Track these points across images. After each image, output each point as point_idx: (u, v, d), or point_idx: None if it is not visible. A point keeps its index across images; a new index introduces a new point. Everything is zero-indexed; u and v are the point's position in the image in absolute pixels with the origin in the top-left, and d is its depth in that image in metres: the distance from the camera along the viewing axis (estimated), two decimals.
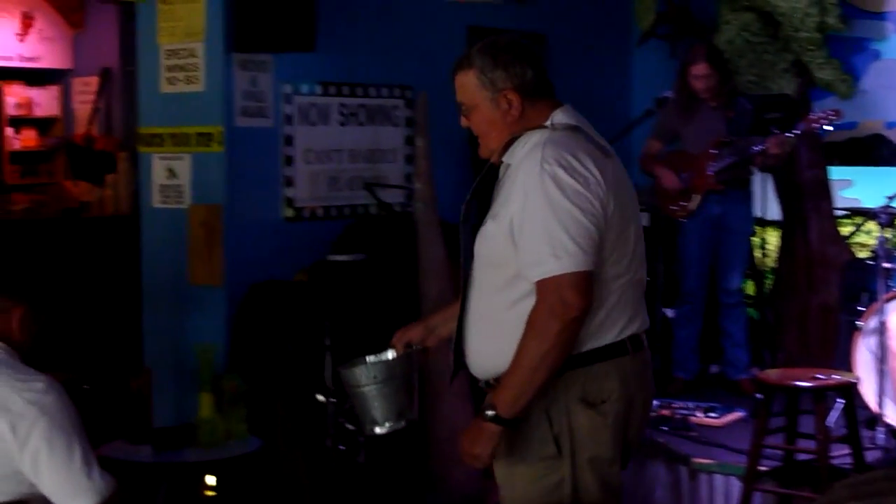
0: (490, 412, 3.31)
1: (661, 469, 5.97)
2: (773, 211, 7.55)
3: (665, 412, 6.41)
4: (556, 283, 3.24)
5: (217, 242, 6.41)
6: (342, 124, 7.05)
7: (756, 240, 7.46)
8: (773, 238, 7.71)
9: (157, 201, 6.71)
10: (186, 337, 6.44)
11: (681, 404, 6.57)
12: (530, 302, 3.30)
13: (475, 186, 3.59)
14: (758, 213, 7.29)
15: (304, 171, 6.84)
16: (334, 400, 5.81)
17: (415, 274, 6.15)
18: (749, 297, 7.55)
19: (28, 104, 11.27)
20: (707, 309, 7.29)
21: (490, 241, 3.41)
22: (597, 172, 3.31)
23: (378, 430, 3.63)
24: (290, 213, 6.77)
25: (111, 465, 4.51)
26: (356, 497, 5.81)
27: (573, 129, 3.42)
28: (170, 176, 6.63)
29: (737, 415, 6.52)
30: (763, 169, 7.10)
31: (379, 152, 7.26)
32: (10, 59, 10.93)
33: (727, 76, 7.09)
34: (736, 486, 5.61)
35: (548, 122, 3.43)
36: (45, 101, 11.36)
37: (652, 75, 8.87)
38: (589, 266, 3.28)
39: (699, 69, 6.94)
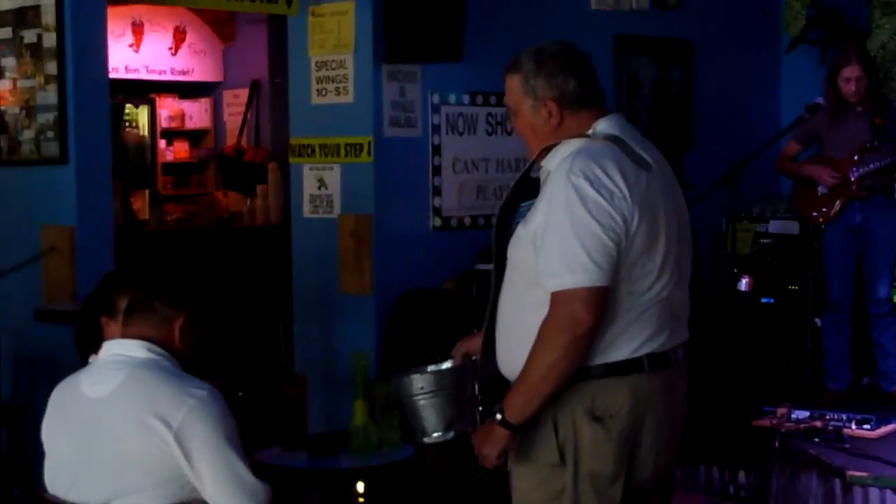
0: (498, 416, 3.35)
1: (813, 481, 5.86)
2: None
3: (817, 423, 6.28)
4: (568, 297, 3.23)
5: (366, 252, 6.48)
6: (489, 133, 7.07)
7: None
8: None
9: (307, 211, 6.81)
10: (337, 345, 6.52)
11: (833, 416, 6.43)
12: (547, 308, 3.30)
13: (512, 191, 3.59)
14: None
15: (452, 181, 6.88)
16: (481, 408, 5.81)
17: None
18: None
19: (180, 116, 11.51)
20: (858, 319, 7.15)
21: (518, 245, 3.42)
22: (623, 186, 3.27)
23: (426, 439, 3.65)
24: (437, 222, 6.81)
25: (266, 471, 4.61)
26: (504, 502, 5.81)
27: (613, 139, 3.38)
28: (320, 186, 6.72)
29: (891, 427, 6.36)
30: None
31: (526, 161, 7.24)
32: (162, 72, 11.16)
33: (877, 80, 6.95)
34: (892, 499, 5.49)
35: (589, 131, 3.41)
36: (196, 113, 11.60)
37: (802, 82, 8.75)
38: (603, 282, 3.24)
39: (850, 71, 6.80)
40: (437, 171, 6.83)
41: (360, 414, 4.62)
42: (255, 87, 11.14)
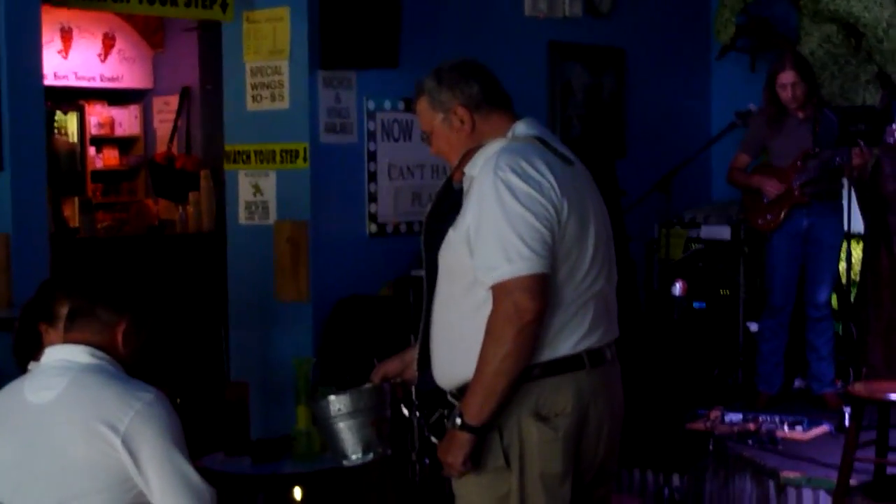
0: (458, 420, 3.35)
1: (747, 483, 5.93)
2: (858, 223, 7.49)
3: (750, 426, 6.37)
4: (510, 287, 3.26)
5: (303, 258, 6.48)
6: (423, 139, 7.07)
7: (840, 253, 7.41)
8: (857, 252, 7.65)
9: (243, 218, 6.79)
10: (274, 352, 6.51)
11: (766, 418, 6.53)
12: (488, 309, 3.32)
13: (436, 201, 3.64)
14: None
15: (388, 187, 6.89)
16: (419, 413, 5.83)
17: None
18: (833, 310, 7.49)
19: (110, 123, 11.43)
20: (791, 322, 7.25)
21: (449, 250, 3.44)
22: (552, 178, 3.34)
23: (345, 462, 3.65)
24: (373, 228, 6.82)
25: (210, 476, 4.56)
26: None
27: (533, 138, 3.45)
28: (255, 193, 6.71)
29: (823, 428, 6.47)
30: (850, 181, 7.04)
31: None
32: (91, 79, 11.08)
33: (814, 86, 7.04)
34: (825, 500, 5.57)
35: (508, 134, 3.48)
36: (126, 120, 11.53)
37: (732, 89, 8.86)
38: (543, 269, 3.29)
39: (787, 77, 6.88)
40: (372, 177, 6.84)
41: (302, 419, 4.62)
42: (185, 94, 11.08)
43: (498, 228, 3.28)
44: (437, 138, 3.58)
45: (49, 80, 10.07)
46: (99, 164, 11.32)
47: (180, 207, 9.82)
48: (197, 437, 5.20)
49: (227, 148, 6.91)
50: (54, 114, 10.84)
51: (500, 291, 3.28)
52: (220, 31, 7.00)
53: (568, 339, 3.40)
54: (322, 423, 3.67)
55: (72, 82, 10.87)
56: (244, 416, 5.81)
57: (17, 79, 5.95)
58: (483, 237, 3.31)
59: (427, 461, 5.86)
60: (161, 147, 11.14)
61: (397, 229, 6.93)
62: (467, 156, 3.50)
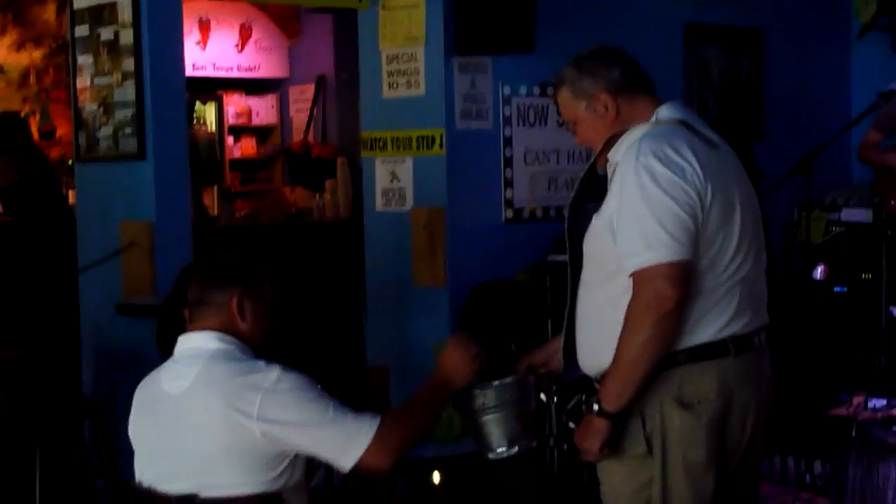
0: (596, 406, 3.34)
1: (892, 471, 5.82)
2: None
3: (895, 412, 6.25)
4: (650, 275, 3.24)
5: (440, 244, 6.50)
6: (560, 125, 7.06)
7: None
8: None
9: (379, 205, 6.83)
10: (411, 338, 6.54)
11: None
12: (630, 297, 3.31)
13: (579, 187, 3.63)
14: None
15: (524, 173, 6.88)
16: (557, 399, 5.83)
17: None
18: None
19: (247, 113, 11.59)
20: None
21: (594, 238, 3.43)
22: (695, 162, 3.29)
23: (490, 455, 3.63)
24: (510, 214, 6.82)
25: None
26: (579, 496, 5.82)
27: (678, 122, 3.41)
28: (392, 179, 6.75)
29: None
30: None
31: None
32: (229, 69, 11.25)
33: None
34: None
35: (652, 118, 3.45)
36: (262, 109, 11.68)
37: (873, 69, 8.67)
38: (684, 256, 3.25)
39: None
40: (508, 162, 6.83)
41: None
42: (321, 83, 11.20)
43: (639, 215, 3.26)
44: (581, 127, 3.55)
45: (188, 72, 10.26)
46: (237, 154, 11.48)
47: (317, 195, 9.93)
48: None
49: (364, 135, 6.96)
50: (193, 104, 11.02)
51: (640, 278, 3.27)
52: (355, 19, 7.04)
53: (711, 325, 3.36)
54: (467, 416, 3.67)
55: (210, 73, 11.04)
56: (385, 400, 5.87)
57: (160, 71, 6.09)
58: (624, 224, 3.30)
59: (565, 447, 5.85)
60: (297, 136, 11.27)
61: (533, 215, 6.92)
62: (611, 141, 3.48)
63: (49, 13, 10.23)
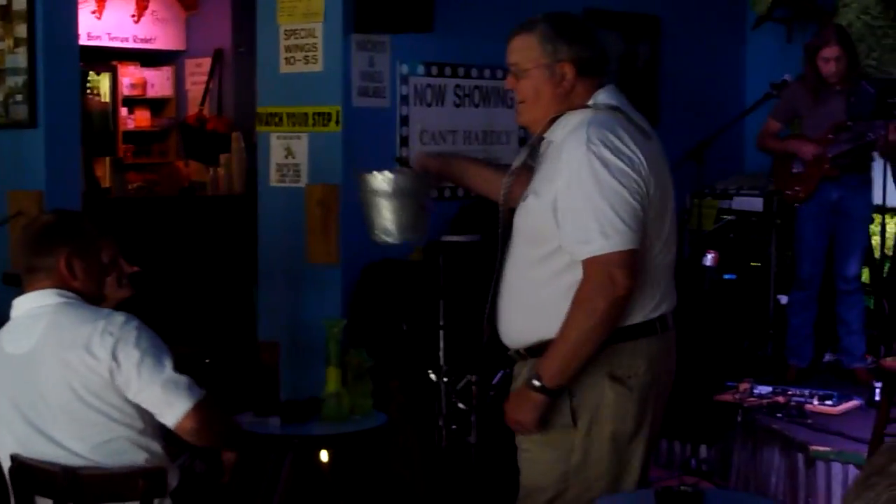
0: (536, 382, 3.39)
1: (776, 456, 5.92)
2: (893, 198, 7.44)
3: (780, 399, 6.35)
4: (605, 262, 3.29)
5: (333, 221, 6.47)
6: (457, 105, 7.07)
7: (874, 227, 7.36)
8: (891, 226, 7.60)
9: (274, 180, 6.77)
10: (303, 314, 6.51)
11: (796, 391, 6.51)
12: (569, 276, 3.37)
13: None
14: (877, 200, 7.19)
15: (419, 152, 6.85)
16: (447, 379, 5.84)
17: None
18: (865, 284, 7.45)
19: (142, 85, 11.44)
20: (822, 296, 7.22)
21: (532, 217, 3.45)
22: (639, 152, 3.34)
23: (382, 237, 3.81)
24: None
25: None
26: (467, 476, 5.84)
27: (613, 109, 3.44)
28: (287, 155, 6.70)
29: (853, 403, 6.44)
30: (883, 155, 6.99)
31: (493, 134, 7.27)
32: (125, 39, 11.09)
33: (855, 59, 6.99)
34: (854, 475, 5.55)
35: (590, 102, 3.46)
36: (158, 81, 11.53)
37: (767, 59, 8.81)
38: (636, 244, 3.32)
39: (830, 51, 6.84)
40: (404, 141, 6.82)
41: (332, 381, 4.61)
42: (218, 56, 11.07)
43: (593, 203, 3.29)
44: (527, 82, 3.51)
45: (83, 41, 10.09)
46: (131, 126, 11.33)
47: (211, 169, 9.83)
48: (227, 397, 5.23)
49: (260, 110, 6.89)
50: (87, 74, 10.85)
51: (594, 265, 3.31)
52: None
53: (645, 307, 3.45)
54: (364, 197, 3.80)
55: (105, 43, 10.87)
56: (274, 376, 5.83)
57: (53, 38, 5.98)
58: (576, 211, 3.32)
59: (454, 427, 5.86)
60: (193, 109, 11.14)
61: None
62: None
63: None
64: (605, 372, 3.44)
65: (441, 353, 5.87)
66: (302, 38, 6.63)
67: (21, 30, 5.97)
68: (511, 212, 3.58)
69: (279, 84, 6.77)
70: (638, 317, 3.45)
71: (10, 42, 6.04)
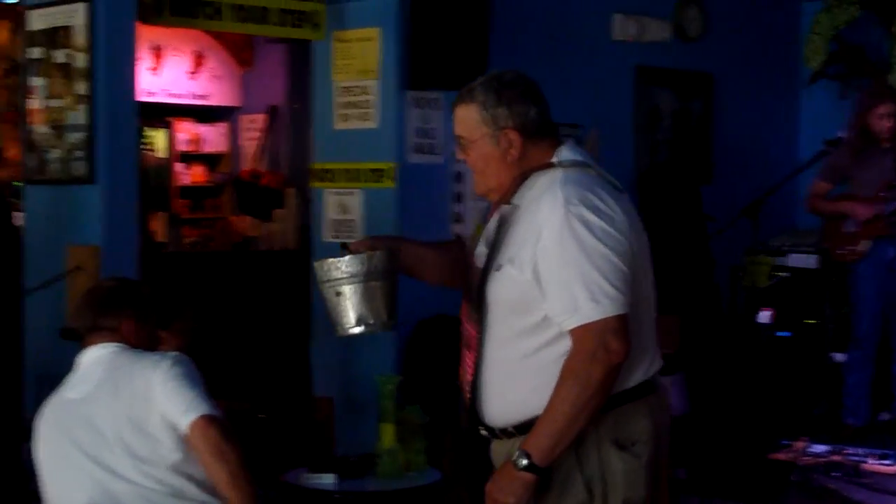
0: (524, 461, 3.16)
1: None
2: None
3: (836, 458, 6.30)
4: (598, 329, 3.12)
5: None
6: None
7: None
8: None
9: (328, 236, 6.82)
10: (356, 369, 6.52)
11: (852, 450, 6.45)
12: (557, 347, 3.20)
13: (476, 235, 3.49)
14: None
15: (474, 209, 6.89)
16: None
17: None
18: None
19: (197, 140, 11.55)
20: (878, 354, 7.15)
21: (512, 287, 3.23)
22: (617, 209, 3.20)
23: (339, 332, 3.42)
24: None
25: (294, 493, 4.62)
26: None
27: (582, 165, 3.30)
28: (342, 211, 6.74)
29: None
30: None
31: None
32: (181, 96, 11.21)
33: None
34: None
35: (554, 160, 3.30)
36: (213, 137, 11.64)
37: (821, 116, 8.79)
38: (626, 308, 3.16)
39: (886, 108, 6.82)
40: (458, 198, 6.85)
41: (387, 437, 4.62)
42: (272, 112, 11.18)
43: (579, 269, 3.13)
44: (475, 151, 3.35)
45: (140, 97, 10.22)
46: (186, 181, 11.43)
47: (264, 224, 9.89)
48: (281, 453, 5.25)
49: (314, 166, 6.95)
50: (143, 130, 10.96)
51: (586, 333, 3.14)
52: (309, 50, 7.05)
53: (641, 367, 3.30)
54: (325, 287, 3.38)
55: (162, 99, 11.00)
56: (329, 432, 5.84)
57: (112, 95, 6.05)
58: (561, 278, 3.15)
59: None
60: (247, 164, 11.24)
61: None
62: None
63: (2, 34, 10.14)
64: (609, 439, 3.27)
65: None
66: (356, 94, 6.69)
67: (81, 87, 6.05)
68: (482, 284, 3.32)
69: (333, 140, 6.83)
70: (638, 376, 3.29)
71: (70, 99, 6.12)
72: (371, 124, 6.64)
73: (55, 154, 6.24)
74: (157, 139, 11.21)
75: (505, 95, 3.31)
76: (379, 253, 3.36)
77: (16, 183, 7.45)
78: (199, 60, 11.25)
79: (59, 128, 6.21)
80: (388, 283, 3.38)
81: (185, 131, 11.47)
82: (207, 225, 10.99)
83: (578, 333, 3.15)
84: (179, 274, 7.88)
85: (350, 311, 3.38)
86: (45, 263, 6.28)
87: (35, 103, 6.38)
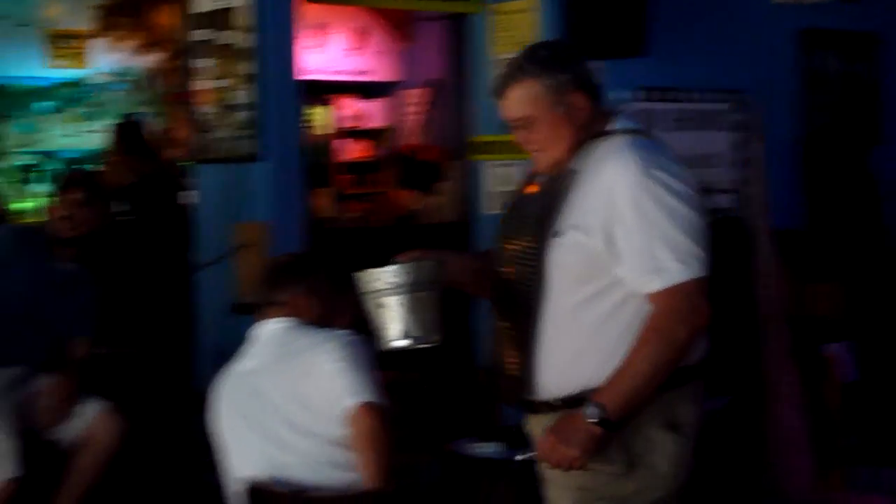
0: (598, 414, 3.09)
1: None
2: None
3: None
4: (687, 290, 3.08)
5: None
6: (670, 130, 7.03)
7: None
8: None
9: (489, 208, 6.85)
10: None
11: None
12: (625, 315, 3.15)
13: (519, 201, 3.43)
14: None
15: None
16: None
17: (747, 279, 6.08)
18: None
19: (360, 116, 11.68)
20: None
21: (576, 253, 3.17)
22: (688, 173, 3.17)
23: (396, 343, 3.27)
24: None
25: (462, 461, 4.67)
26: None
27: (643, 132, 3.26)
28: (503, 183, 6.77)
29: None
30: None
31: (706, 157, 7.21)
32: (344, 72, 11.35)
33: None
34: None
35: (615, 126, 3.24)
36: (375, 112, 11.75)
37: None
38: (709, 270, 3.14)
39: None
40: None
41: None
42: (433, 87, 11.24)
43: (662, 231, 3.08)
44: (540, 128, 3.25)
45: (304, 75, 10.39)
46: (348, 156, 11.57)
47: (425, 198, 9.96)
48: (448, 422, 5.30)
49: (475, 139, 6.99)
50: (307, 107, 11.11)
51: (674, 295, 3.08)
52: (468, 23, 7.08)
53: (700, 346, 3.25)
54: (371, 298, 3.27)
55: (325, 76, 11.14)
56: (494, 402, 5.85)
57: (276, 74, 6.18)
58: (643, 241, 3.09)
59: None
60: (409, 139, 11.32)
61: None
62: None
63: (165, 17, 10.38)
64: (663, 420, 3.20)
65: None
66: None
67: (245, 67, 6.18)
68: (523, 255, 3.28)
69: (493, 112, 6.83)
70: (694, 357, 3.22)
71: (234, 80, 6.25)
72: None
73: (222, 133, 6.39)
74: (318, 116, 11.37)
75: (558, 61, 3.25)
76: (424, 262, 3.31)
77: (182, 163, 7.65)
78: (361, 37, 11.36)
79: (225, 108, 6.35)
80: (433, 295, 3.30)
81: (348, 107, 11.60)
82: (370, 199, 11.11)
83: (664, 295, 3.10)
84: (344, 248, 8.00)
85: (393, 324, 3.26)
86: (216, 240, 6.45)
87: (201, 84, 6.53)
